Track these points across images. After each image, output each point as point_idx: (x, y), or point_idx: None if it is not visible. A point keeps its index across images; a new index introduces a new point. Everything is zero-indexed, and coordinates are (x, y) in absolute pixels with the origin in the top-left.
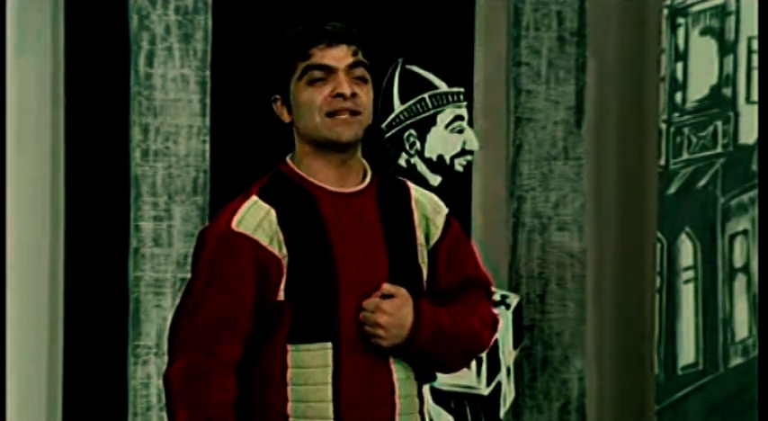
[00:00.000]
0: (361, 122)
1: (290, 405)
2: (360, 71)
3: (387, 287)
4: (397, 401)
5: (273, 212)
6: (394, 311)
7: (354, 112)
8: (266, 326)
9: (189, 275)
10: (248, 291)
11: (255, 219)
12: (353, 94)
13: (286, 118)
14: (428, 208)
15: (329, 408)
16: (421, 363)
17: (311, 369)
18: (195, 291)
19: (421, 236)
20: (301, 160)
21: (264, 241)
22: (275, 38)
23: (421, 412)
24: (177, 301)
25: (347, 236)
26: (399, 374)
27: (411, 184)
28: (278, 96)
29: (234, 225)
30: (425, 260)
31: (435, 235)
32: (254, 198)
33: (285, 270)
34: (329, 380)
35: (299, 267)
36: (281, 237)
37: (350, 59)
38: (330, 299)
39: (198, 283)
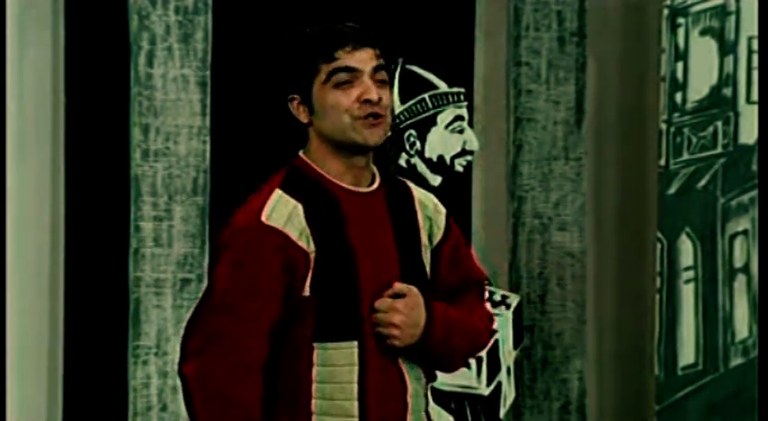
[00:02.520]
0: (386, 125)
1: (314, 402)
2: (382, 74)
3: (399, 286)
4: (409, 400)
5: (300, 207)
6: (408, 311)
7: (380, 116)
8: (291, 322)
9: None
10: (276, 285)
11: (285, 212)
12: (380, 99)
13: (304, 118)
14: (430, 208)
15: (354, 406)
16: (428, 361)
17: (338, 367)
18: (221, 284)
19: (425, 236)
20: (318, 159)
21: (294, 235)
22: (294, 37)
23: (426, 411)
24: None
25: (365, 235)
26: (410, 374)
27: (411, 185)
28: (296, 96)
29: (264, 218)
30: (428, 260)
31: (438, 235)
32: (280, 192)
33: (312, 265)
34: (355, 378)
35: (325, 263)
36: (309, 232)
37: (374, 62)
38: (353, 297)
39: (224, 278)
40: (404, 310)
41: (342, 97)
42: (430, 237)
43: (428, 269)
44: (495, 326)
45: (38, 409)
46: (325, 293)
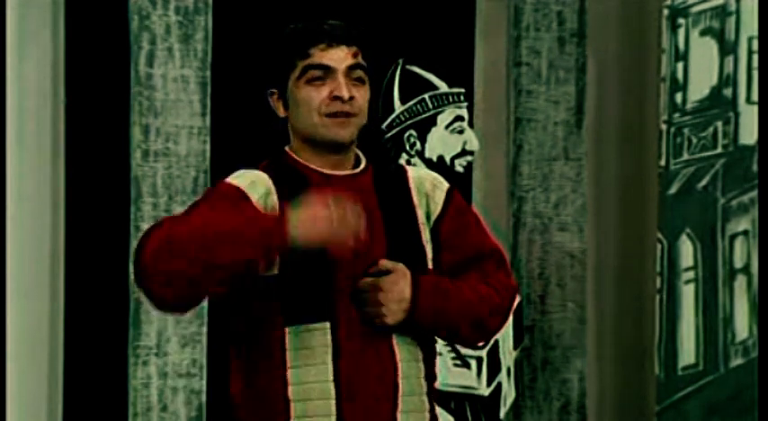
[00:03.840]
0: (357, 124)
1: (290, 388)
2: (358, 73)
3: (383, 262)
4: (400, 382)
5: (270, 181)
6: (391, 287)
7: (350, 114)
8: (262, 306)
9: None
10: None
11: (249, 178)
12: (351, 98)
13: (281, 112)
14: (427, 185)
15: (331, 388)
16: (435, 336)
17: (310, 349)
18: (187, 216)
19: (422, 214)
20: (297, 149)
21: (254, 197)
22: (275, 34)
23: (429, 394)
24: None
25: None
26: (402, 355)
27: (408, 166)
28: (274, 90)
29: (228, 179)
30: (429, 238)
31: (435, 211)
32: (247, 170)
33: None
34: (329, 359)
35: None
36: (275, 201)
37: (349, 61)
38: (325, 278)
39: (191, 211)
40: (386, 287)
41: (313, 93)
42: (428, 215)
43: (428, 246)
44: (517, 296)
45: (38, 409)
46: (294, 272)
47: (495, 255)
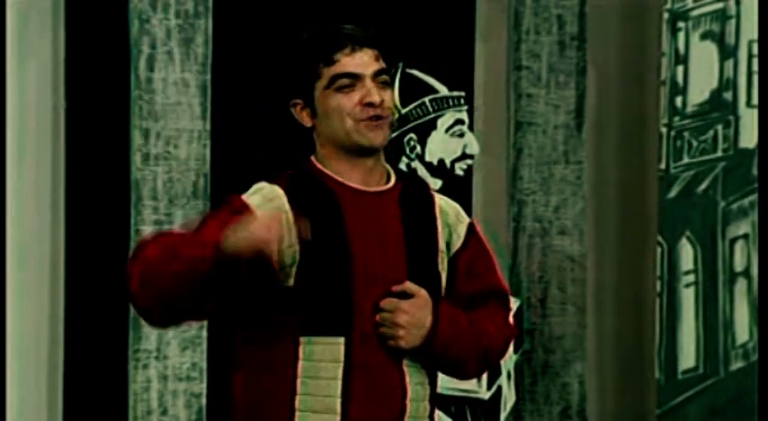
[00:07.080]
0: (389, 126)
1: (298, 398)
2: (383, 77)
3: (409, 285)
4: (408, 404)
5: (285, 198)
6: (414, 311)
7: (382, 118)
8: (276, 314)
9: None
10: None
11: (262, 197)
12: (381, 101)
13: (307, 122)
14: (451, 216)
15: (337, 404)
16: (438, 367)
17: (322, 363)
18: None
19: (442, 243)
20: (325, 160)
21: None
22: (294, 41)
23: (431, 417)
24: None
25: (365, 232)
26: (412, 378)
27: (435, 193)
28: (298, 101)
29: (244, 195)
30: (445, 267)
31: (456, 243)
32: (266, 183)
33: (298, 256)
34: (339, 375)
35: (313, 255)
36: (291, 223)
37: (375, 66)
38: (344, 292)
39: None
40: (410, 311)
41: (344, 100)
42: (448, 245)
43: (443, 275)
44: (512, 339)
45: (38, 413)
46: (311, 285)
47: (501, 296)
